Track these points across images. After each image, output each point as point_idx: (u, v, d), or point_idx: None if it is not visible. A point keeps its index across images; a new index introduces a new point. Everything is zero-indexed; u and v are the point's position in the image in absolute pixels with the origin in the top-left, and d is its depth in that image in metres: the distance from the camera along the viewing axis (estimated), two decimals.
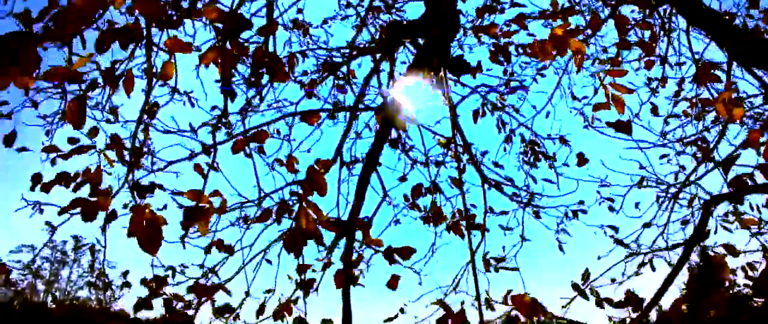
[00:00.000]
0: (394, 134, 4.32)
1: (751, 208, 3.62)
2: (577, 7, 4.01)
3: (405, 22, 3.37)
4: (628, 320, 2.68)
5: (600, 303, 2.99)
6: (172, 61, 2.06)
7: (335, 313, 2.57)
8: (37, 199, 3.16)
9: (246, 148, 2.99)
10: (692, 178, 3.95)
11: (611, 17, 3.29)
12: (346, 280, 2.48)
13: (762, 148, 2.70)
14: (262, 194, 3.36)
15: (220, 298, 2.99)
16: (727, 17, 2.93)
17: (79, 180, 2.47)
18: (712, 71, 3.09)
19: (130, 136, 2.76)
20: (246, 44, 2.03)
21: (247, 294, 3.19)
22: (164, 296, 2.99)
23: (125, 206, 2.97)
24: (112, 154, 2.64)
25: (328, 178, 2.26)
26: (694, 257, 3.78)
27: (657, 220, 4.11)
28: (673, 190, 4.10)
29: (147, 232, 1.82)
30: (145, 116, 3.00)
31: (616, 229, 4.09)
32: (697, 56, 3.76)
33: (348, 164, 4.04)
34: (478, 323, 2.23)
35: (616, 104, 2.27)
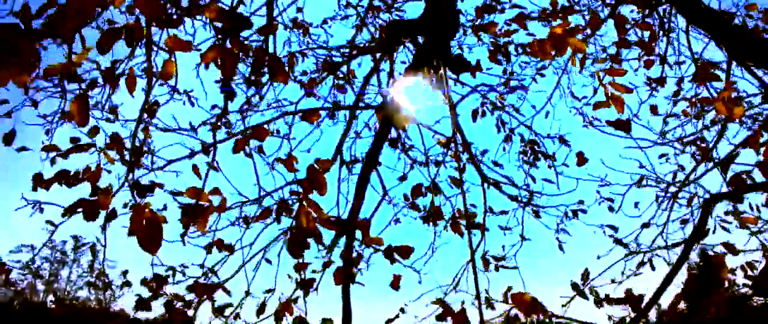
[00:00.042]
0: (394, 134, 4.32)
1: (751, 208, 3.63)
2: (577, 7, 4.02)
3: (405, 21, 3.37)
4: (627, 319, 2.68)
5: (599, 302, 3.00)
6: (173, 60, 2.06)
7: (335, 312, 2.58)
8: (37, 198, 3.16)
9: (246, 147, 2.99)
10: (691, 177, 3.96)
11: (610, 17, 3.29)
12: (345, 278, 2.49)
13: (762, 149, 2.71)
14: (262, 193, 3.36)
15: (221, 297, 3.00)
16: (726, 17, 2.94)
17: (79, 177, 2.47)
18: (712, 70, 3.09)
19: (130, 135, 2.76)
20: (246, 42, 2.03)
21: (247, 293, 3.19)
22: (165, 296, 2.99)
23: (125, 205, 2.97)
24: (112, 153, 2.64)
25: (328, 178, 2.26)
26: (694, 256, 3.79)
27: (656, 220, 4.12)
28: (672, 189, 4.11)
29: (147, 231, 1.82)
30: (145, 115, 3.00)
31: (615, 228, 4.10)
32: (696, 56, 3.76)
33: (348, 163, 4.04)
34: (478, 322, 2.23)
35: (615, 103, 2.27)
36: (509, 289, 2.23)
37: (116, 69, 2.49)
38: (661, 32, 3.92)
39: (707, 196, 3.58)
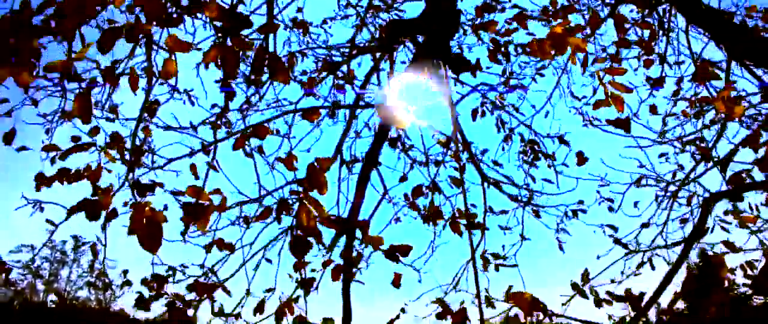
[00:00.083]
0: (394, 133, 4.32)
1: (750, 208, 3.63)
2: (577, 6, 4.02)
3: (405, 21, 3.37)
4: (627, 318, 2.68)
5: (598, 302, 2.99)
6: (173, 59, 2.06)
7: (336, 311, 2.58)
8: (38, 197, 3.16)
9: (246, 146, 2.99)
10: (691, 176, 3.97)
11: (610, 16, 3.30)
12: (345, 276, 2.49)
13: (763, 149, 2.71)
14: (263, 192, 3.37)
15: (220, 297, 3.00)
16: (726, 16, 2.94)
17: (80, 175, 2.47)
18: (711, 70, 3.09)
19: (131, 134, 2.76)
20: (247, 39, 2.03)
21: (248, 293, 3.19)
22: (166, 296, 2.99)
23: (125, 204, 2.97)
24: (113, 152, 2.64)
25: (328, 177, 2.26)
26: (693, 256, 3.79)
27: (656, 219, 4.12)
28: (672, 188, 4.11)
29: (147, 231, 1.82)
30: (146, 114, 3.00)
31: (615, 228, 4.10)
32: (696, 55, 3.77)
33: (348, 163, 4.04)
34: (478, 321, 2.24)
35: (615, 102, 2.27)
36: (510, 288, 2.24)
37: (116, 68, 2.49)
38: (660, 32, 3.93)
39: (707, 195, 3.58)
